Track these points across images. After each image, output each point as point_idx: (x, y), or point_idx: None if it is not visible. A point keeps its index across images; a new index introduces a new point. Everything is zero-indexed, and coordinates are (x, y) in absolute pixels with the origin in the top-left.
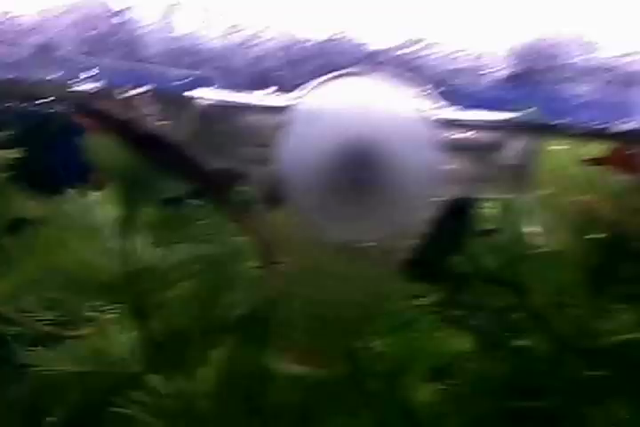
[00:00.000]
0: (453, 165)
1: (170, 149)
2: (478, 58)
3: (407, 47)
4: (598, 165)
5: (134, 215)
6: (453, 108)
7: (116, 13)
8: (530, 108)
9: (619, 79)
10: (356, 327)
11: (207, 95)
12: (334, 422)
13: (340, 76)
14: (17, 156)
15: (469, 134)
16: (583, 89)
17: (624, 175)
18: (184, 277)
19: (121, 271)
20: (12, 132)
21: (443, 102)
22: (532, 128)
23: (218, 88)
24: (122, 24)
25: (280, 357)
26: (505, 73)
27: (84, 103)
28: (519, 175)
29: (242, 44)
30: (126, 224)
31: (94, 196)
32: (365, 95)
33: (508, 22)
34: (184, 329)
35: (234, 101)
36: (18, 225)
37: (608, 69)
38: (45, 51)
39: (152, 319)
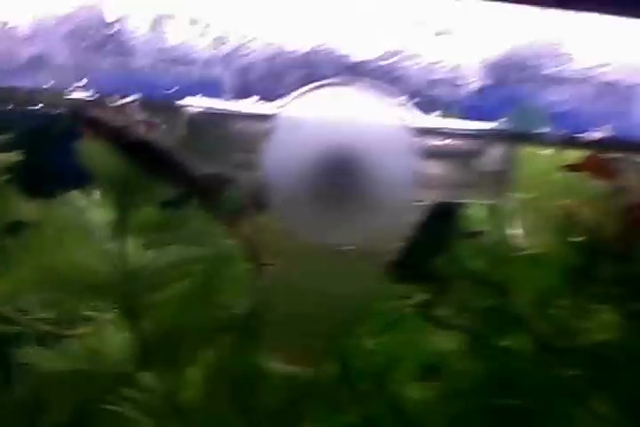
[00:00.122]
0: (436, 171)
1: (160, 155)
2: (455, 69)
3: (387, 59)
4: (575, 171)
5: (127, 218)
6: (432, 117)
7: (109, 24)
8: (506, 117)
9: (593, 89)
10: (343, 327)
11: (196, 103)
12: (324, 420)
13: (323, 86)
14: (15, 159)
15: (450, 142)
16: (558, 98)
17: (600, 181)
18: (175, 279)
19: (114, 273)
20: (11, 136)
21: (421, 112)
22: (510, 136)
23: (206, 96)
24: (114, 34)
25: (270, 356)
26: (481, 83)
27: (77, 111)
28: (499, 181)
29: (228, 54)
30: (119, 227)
31: (89, 199)
32: (346, 105)
33: (484, 33)
34: (176, 329)
35: (221, 109)
36: (15, 227)
37: (582, 80)
38: (40, 60)
39: (144, 320)
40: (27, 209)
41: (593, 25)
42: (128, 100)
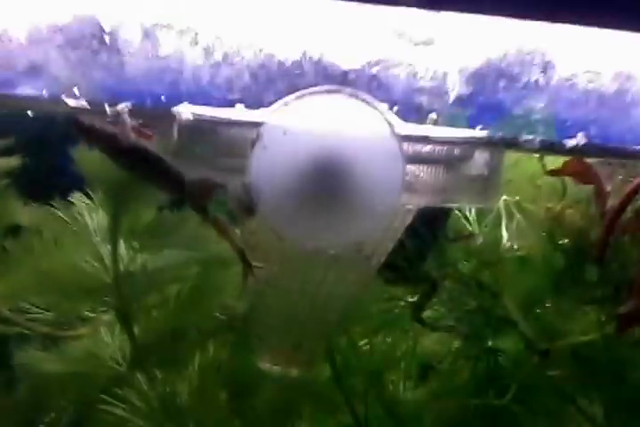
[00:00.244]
0: (425, 176)
1: (151, 161)
2: (440, 77)
3: (373, 67)
4: (558, 175)
5: (122, 222)
6: (417, 124)
7: (104, 33)
8: (490, 124)
9: (576, 96)
10: (334, 329)
11: (187, 110)
12: (317, 420)
13: (311, 93)
14: (15, 164)
15: (437, 148)
16: (540, 106)
17: (582, 185)
18: (169, 282)
19: (110, 275)
20: (10, 141)
21: (407, 119)
22: (494, 143)
23: (197, 104)
24: (109, 43)
25: (263, 357)
26: (465, 91)
27: (72, 118)
28: (486, 185)
29: (219, 63)
30: (115, 231)
31: (86, 203)
32: (333, 112)
33: (468, 42)
34: (170, 331)
35: (211, 116)
36: (14, 230)
37: (565, 87)
38: (36, 68)
39: (139, 322)
40: (25, 213)
41: (571, 36)
42: (121, 107)
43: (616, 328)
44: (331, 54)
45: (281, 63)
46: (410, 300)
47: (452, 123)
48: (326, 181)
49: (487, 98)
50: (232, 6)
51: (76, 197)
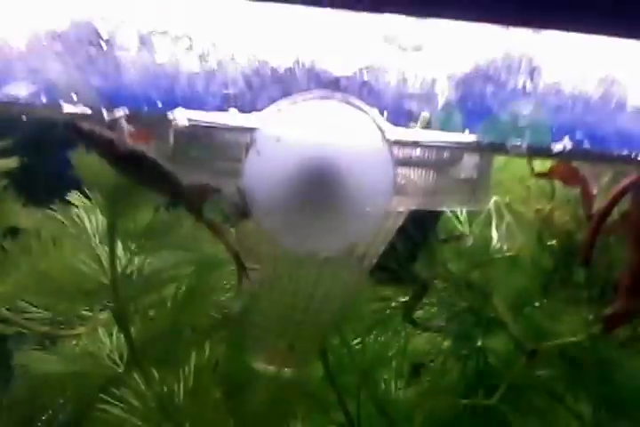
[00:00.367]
0: (415, 179)
1: (148, 166)
2: (429, 82)
3: (364, 73)
4: (545, 178)
5: (119, 225)
6: (407, 129)
7: (102, 39)
8: (479, 129)
9: (561, 102)
10: (327, 329)
11: (183, 115)
12: (310, 419)
13: (303, 99)
14: (14, 165)
15: (428, 152)
16: (527, 111)
17: (571, 187)
18: (167, 283)
19: (108, 277)
20: (9, 143)
21: (397, 123)
22: (483, 147)
23: (193, 109)
24: (106, 49)
25: (257, 357)
26: (453, 96)
27: (71, 123)
28: (476, 188)
29: (214, 69)
30: (113, 233)
31: (83, 206)
32: (325, 117)
33: (457, 48)
34: (167, 331)
35: (207, 121)
36: (13, 232)
37: (552, 93)
38: (35, 74)
39: (136, 322)
40: (23, 215)
41: (557, 42)
42: (119, 113)
43: (603, 329)
44: (323, 61)
45: (274, 70)
46: (401, 300)
47: (444, 125)
48: (319, 185)
49: (475, 103)
50: (226, 14)
51: (75, 200)
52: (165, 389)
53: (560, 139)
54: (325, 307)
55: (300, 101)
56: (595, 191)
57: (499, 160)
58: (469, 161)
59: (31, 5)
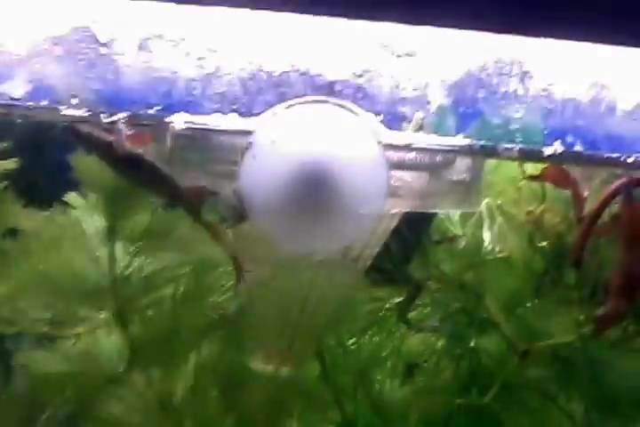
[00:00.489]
0: (409, 182)
1: (147, 169)
2: (422, 87)
3: (358, 78)
4: (537, 180)
5: (118, 226)
6: (401, 132)
7: (100, 45)
8: (471, 133)
9: (552, 106)
10: (322, 329)
11: (181, 119)
12: (307, 417)
13: (299, 103)
14: (13, 167)
15: (421, 155)
16: (518, 115)
17: (560, 189)
18: (165, 283)
19: (107, 278)
20: (9, 144)
21: (391, 127)
22: (475, 151)
23: (190, 113)
24: (105, 55)
25: (254, 356)
26: (446, 101)
27: (70, 127)
28: (468, 190)
29: (210, 73)
30: (112, 234)
31: (83, 207)
32: (321, 121)
33: (449, 54)
34: (166, 331)
35: (204, 125)
36: (12, 233)
37: (542, 97)
38: (35, 78)
39: (135, 322)
40: (23, 216)
41: (547, 48)
42: (118, 116)
43: (593, 330)
44: (318, 66)
45: (270, 74)
46: (395, 301)
47: (438, 128)
48: (314, 188)
49: (467, 107)
50: (224, 20)
51: (74, 201)
52: (165, 388)
53: (551, 142)
54: (321, 308)
55: (295, 105)
56: (585, 194)
57: (490, 163)
58: (462, 164)
59: (31, 10)
